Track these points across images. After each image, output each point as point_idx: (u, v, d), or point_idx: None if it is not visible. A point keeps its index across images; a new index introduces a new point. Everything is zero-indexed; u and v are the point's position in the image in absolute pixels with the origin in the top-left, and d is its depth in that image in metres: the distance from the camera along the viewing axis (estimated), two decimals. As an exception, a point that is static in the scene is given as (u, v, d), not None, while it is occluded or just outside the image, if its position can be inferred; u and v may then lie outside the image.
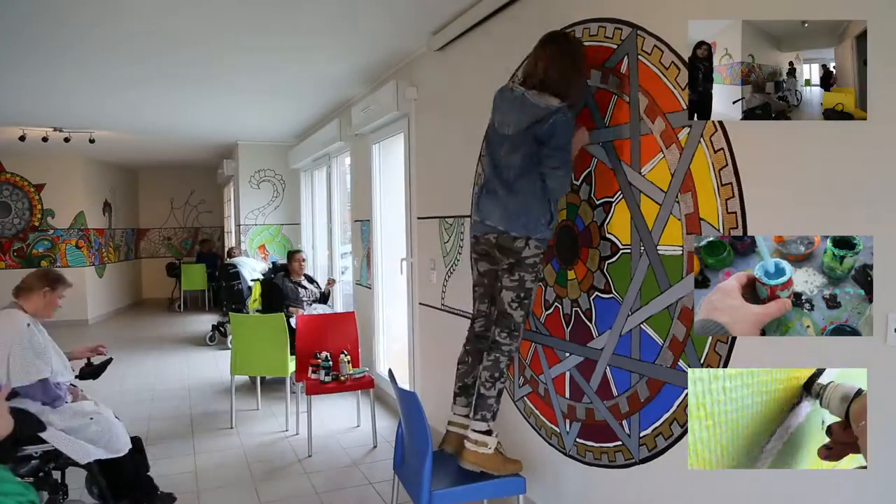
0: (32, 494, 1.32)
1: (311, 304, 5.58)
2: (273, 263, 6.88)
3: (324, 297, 5.79)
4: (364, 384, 4.14)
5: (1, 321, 2.82)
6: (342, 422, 4.50)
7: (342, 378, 4.12)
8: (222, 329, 7.72)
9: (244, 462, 3.83)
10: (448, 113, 3.79)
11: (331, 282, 5.99)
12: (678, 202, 2.07)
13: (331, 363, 4.15)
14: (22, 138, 7.14)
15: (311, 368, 4.19)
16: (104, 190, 10.58)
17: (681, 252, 2.07)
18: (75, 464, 2.80)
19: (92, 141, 7.48)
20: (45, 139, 7.23)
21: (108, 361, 3.29)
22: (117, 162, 10.75)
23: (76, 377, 3.14)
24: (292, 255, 5.72)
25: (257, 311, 6.05)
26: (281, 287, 5.49)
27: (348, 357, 4.24)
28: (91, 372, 3.23)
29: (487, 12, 3.15)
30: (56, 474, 2.90)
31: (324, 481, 3.54)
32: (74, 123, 6.82)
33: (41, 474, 2.79)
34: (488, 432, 2.36)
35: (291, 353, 4.46)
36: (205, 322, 9.25)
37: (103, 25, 3.57)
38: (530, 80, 2.33)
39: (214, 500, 3.32)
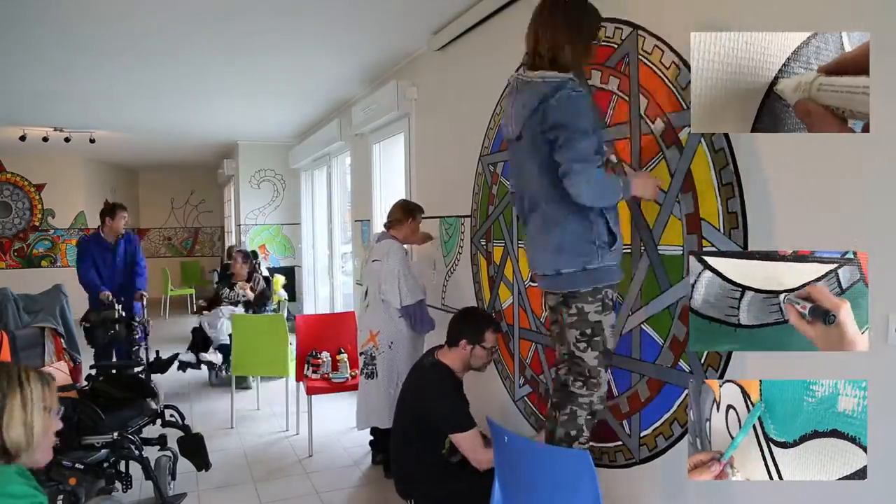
0: (42, 497, 1.31)
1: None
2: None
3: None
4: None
5: (391, 252, 3.25)
6: (342, 422, 4.50)
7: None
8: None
9: (244, 462, 3.83)
10: (448, 113, 3.79)
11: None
12: (678, 202, 2.07)
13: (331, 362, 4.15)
14: (22, 138, 7.15)
15: (311, 368, 4.19)
16: (104, 190, 10.56)
17: (681, 252, 2.07)
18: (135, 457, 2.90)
19: (92, 141, 7.48)
20: (45, 139, 7.23)
21: (175, 356, 3.43)
22: (117, 162, 10.75)
23: (144, 370, 3.34)
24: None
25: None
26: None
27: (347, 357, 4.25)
28: (159, 366, 3.36)
29: (487, 12, 3.15)
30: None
31: (324, 481, 3.54)
32: (74, 123, 6.83)
33: (106, 465, 2.86)
34: None
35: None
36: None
37: (104, 26, 3.57)
38: (526, 58, 1.94)
39: (214, 500, 3.32)
